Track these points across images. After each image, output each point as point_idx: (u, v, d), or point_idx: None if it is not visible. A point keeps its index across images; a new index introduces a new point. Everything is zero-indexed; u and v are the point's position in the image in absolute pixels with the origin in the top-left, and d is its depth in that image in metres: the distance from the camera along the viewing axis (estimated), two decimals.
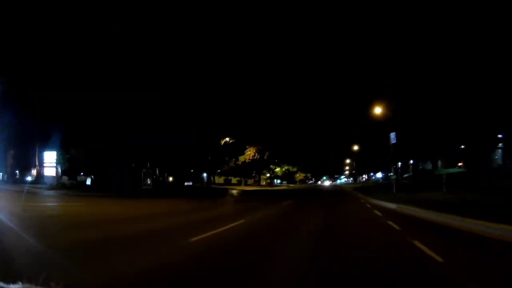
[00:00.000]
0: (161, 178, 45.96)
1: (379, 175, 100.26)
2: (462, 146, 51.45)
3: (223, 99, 52.06)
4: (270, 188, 51.04)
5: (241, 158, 57.71)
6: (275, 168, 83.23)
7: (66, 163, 52.86)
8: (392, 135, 21.07)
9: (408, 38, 40.30)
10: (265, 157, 59.98)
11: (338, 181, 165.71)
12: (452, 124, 37.64)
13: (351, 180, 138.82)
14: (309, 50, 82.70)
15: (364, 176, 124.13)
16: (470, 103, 33.75)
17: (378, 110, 42.46)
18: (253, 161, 57.76)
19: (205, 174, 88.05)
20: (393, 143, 21.03)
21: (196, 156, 48.94)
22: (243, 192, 37.60)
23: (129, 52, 42.10)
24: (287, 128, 67.49)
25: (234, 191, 40.63)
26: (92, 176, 48.69)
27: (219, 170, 57.02)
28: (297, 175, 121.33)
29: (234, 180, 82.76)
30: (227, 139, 52.98)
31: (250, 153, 57.34)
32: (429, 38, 36.38)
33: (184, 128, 46.48)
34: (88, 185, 47.95)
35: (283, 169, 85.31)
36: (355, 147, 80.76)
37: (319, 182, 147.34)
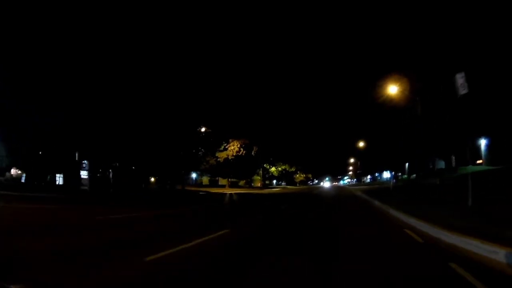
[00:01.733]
0: (107, 173, 34.87)
1: (386, 175, 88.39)
2: (484, 140, 41.89)
3: (198, 80, 40.85)
4: (256, 192, 39.65)
5: (223, 154, 46.39)
6: (270, 168, 71.77)
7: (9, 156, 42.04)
8: (460, 78, 9.29)
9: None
10: (252, 153, 48.62)
11: (341, 182, 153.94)
12: (478, 114, 30.13)
13: (355, 181, 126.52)
14: (306, 28, 71.35)
15: (368, 176, 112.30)
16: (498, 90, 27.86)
17: (392, 90, 31.80)
18: (238, 157, 46.42)
19: (194, 175, 76.92)
20: (463, 93, 9.19)
21: (161, 149, 37.70)
22: (207, 198, 26.28)
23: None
24: (281, 120, 56.11)
25: (208, 195, 29.72)
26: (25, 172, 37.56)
27: (183, 172, 45.01)
28: (297, 175, 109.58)
29: (223, 181, 71.53)
30: (203, 129, 41.68)
31: (233, 147, 46.00)
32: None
33: (143, 113, 35.33)
34: (23, 182, 37.27)
35: (279, 168, 73.73)
36: (361, 144, 69.40)
37: (322, 183, 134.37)
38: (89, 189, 28.19)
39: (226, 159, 45.87)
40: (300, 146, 78.68)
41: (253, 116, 47.18)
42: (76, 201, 17.50)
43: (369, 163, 78.60)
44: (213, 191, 39.48)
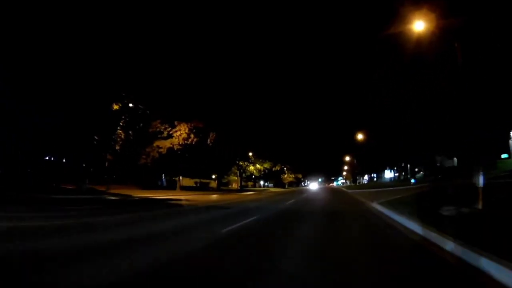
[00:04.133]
0: None
1: (388, 174, 73.78)
2: None
3: (119, 34, 26.07)
4: (204, 199, 24.59)
5: (165, 143, 30.88)
6: (247, 166, 56.92)
7: None
8: None
9: None
10: (208, 142, 33.40)
11: (336, 183, 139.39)
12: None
13: (349, 183, 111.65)
14: None
15: (366, 177, 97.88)
16: None
17: (418, 26, 18.36)
18: (188, 147, 31.22)
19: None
20: None
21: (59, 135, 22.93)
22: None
23: None
24: (254, 101, 41.19)
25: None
26: None
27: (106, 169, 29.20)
28: (285, 176, 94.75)
29: (187, 181, 56.46)
30: (131, 105, 26.80)
31: (179, 133, 30.81)
32: None
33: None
34: None
35: (259, 167, 58.72)
36: (359, 136, 54.77)
37: (313, 185, 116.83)
38: None
39: (171, 149, 30.86)
40: (285, 140, 64.18)
41: (212, 91, 32.23)
42: None
43: (368, 161, 64.42)
44: (141, 196, 24.57)
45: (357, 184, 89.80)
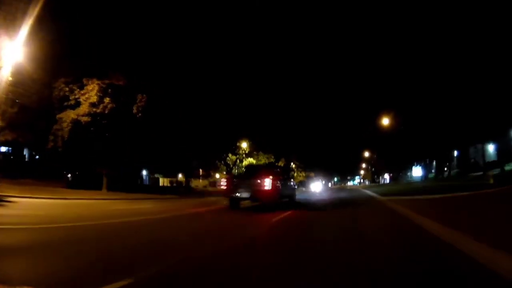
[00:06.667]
0: None
1: (417, 172, 59.15)
2: None
3: None
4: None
5: (70, 114, 18.28)
6: (241, 160, 44.09)
7: None
8: None
9: None
10: (134, 110, 19.93)
11: (352, 183, 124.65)
12: None
13: (368, 182, 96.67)
14: None
15: (386, 176, 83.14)
16: None
17: None
18: (98, 118, 18.37)
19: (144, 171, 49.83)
20: None
21: None
22: None
23: None
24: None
25: None
26: None
27: None
28: (294, 174, 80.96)
29: (162, 179, 43.99)
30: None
31: (88, 96, 18.26)
32: None
33: None
34: None
35: (253, 161, 45.55)
36: (385, 121, 40.69)
37: (311, 185, 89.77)
38: None
39: (77, 123, 18.19)
40: (291, 130, 50.51)
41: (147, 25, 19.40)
42: None
43: (393, 155, 50.76)
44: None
45: (378, 183, 75.30)
